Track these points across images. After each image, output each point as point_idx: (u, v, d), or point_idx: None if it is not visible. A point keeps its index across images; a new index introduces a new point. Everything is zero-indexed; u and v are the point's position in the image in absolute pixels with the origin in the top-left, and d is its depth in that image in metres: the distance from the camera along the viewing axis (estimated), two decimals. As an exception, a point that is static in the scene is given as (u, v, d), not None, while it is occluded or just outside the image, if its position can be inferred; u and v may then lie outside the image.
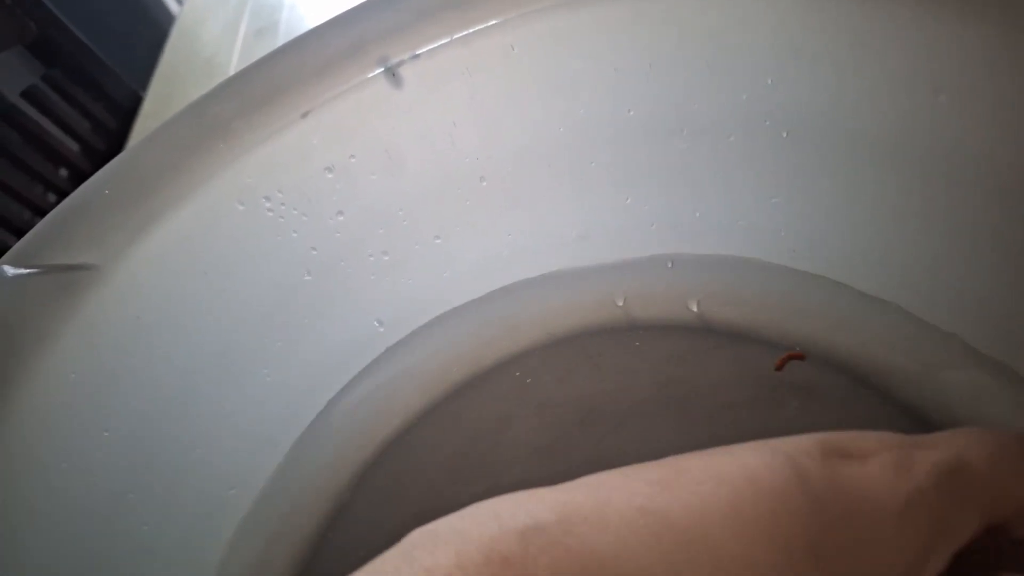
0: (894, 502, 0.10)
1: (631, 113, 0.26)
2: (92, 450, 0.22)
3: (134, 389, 0.22)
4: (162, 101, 0.57)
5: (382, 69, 0.23)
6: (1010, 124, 0.19)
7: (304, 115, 0.23)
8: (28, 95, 0.58)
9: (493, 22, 0.24)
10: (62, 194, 0.57)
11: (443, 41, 0.23)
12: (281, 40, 0.57)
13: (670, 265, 0.29)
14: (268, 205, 0.24)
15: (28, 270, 0.21)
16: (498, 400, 0.27)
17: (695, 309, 0.27)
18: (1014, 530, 0.11)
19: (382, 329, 0.28)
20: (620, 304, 0.28)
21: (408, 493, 0.25)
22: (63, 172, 0.59)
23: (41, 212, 0.57)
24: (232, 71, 0.55)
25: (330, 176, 0.25)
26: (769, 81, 0.24)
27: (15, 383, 0.20)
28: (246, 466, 0.25)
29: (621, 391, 0.26)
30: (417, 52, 0.24)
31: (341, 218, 0.26)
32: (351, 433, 0.27)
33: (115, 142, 0.65)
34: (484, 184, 0.27)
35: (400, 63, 0.24)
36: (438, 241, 0.28)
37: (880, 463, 0.11)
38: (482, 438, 0.26)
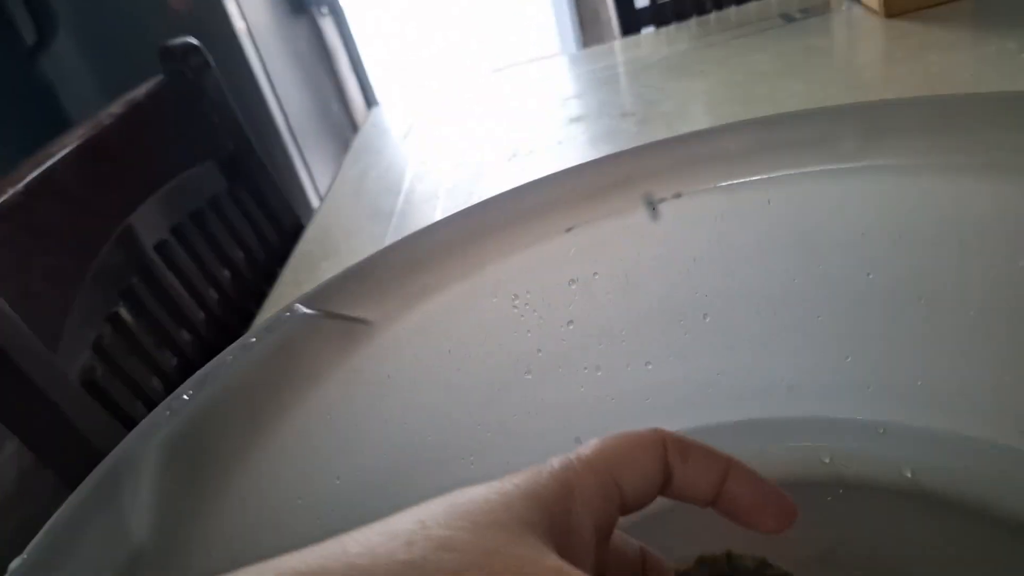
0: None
1: (871, 276, 0.26)
2: (322, 492, 0.23)
3: (367, 446, 0.24)
4: (324, 230, 0.63)
5: (646, 203, 0.26)
6: None
7: (568, 230, 0.26)
8: (214, 203, 0.66)
9: (757, 177, 0.25)
10: (223, 291, 0.64)
11: (707, 187, 0.26)
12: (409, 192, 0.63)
13: (881, 431, 0.28)
14: (515, 302, 0.26)
15: (316, 312, 0.24)
16: (686, 540, 0.26)
17: (910, 475, 0.26)
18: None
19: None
20: (826, 461, 0.28)
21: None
22: (226, 272, 0.66)
23: (219, 289, 0.64)
24: (395, 217, 0.61)
25: (573, 287, 0.27)
26: (1023, 264, 0.24)
27: (285, 411, 0.22)
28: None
29: (821, 548, 0.25)
30: (680, 193, 0.26)
31: (571, 327, 0.28)
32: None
33: (274, 258, 0.72)
34: (707, 321, 0.28)
35: (662, 200, 0.26)
36: (649, 367, 0.29)
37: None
38: None
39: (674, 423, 0.30)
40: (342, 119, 1.86)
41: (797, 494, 0.28)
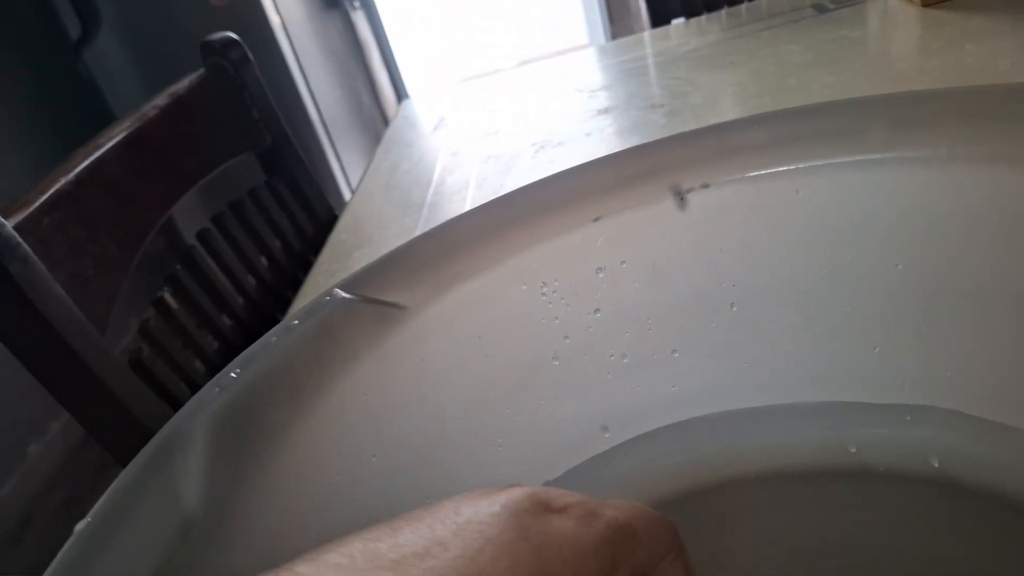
0: (587, 542, 0.15)
1: (899, 268, 0.26)
2: (358, 467, 0.24)
3: (402, 425, 0.25)
4: (356, 221, 0.64)
5: (674, 193, 0.26)
6: None
7: (596, 219, 0.27)
8: (252, 194, 0.67)
9: (785, 168, 0.26)
10: (260, 278, 0.66)
11: (735, 178, 0.26)
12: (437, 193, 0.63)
13: (908, 419, 0.28)
14: (544, 290, 0.27)
15: (353, 296, 0.25)
16: (709, 527, 0.27)
17: (936, 464, 0.26)
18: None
19: (607, 435, 0.30)
20: (853, 450, 0.28)
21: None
22: (264, 260, 0.68)
23: (257, 276, 0.66)
24: (425, 208, 0.61)
25: (600, 276, 0.28)
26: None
27: (325, 390, 0.23)
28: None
29: (847, 538, 0.25)
30: (708, 183, 0.26)
31: (598, 315, 0.28)
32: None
33: (309, 247, 0.74)
34: (733, 310, 0.29)
35: (690, 190, 0.26)
36: (675, 355, 0.30)
37: (575, 515, 0.16)
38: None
39: (699, 409, 0.30)
40: (373, 112, 1.88)
41: (823, 483, 0.28)
